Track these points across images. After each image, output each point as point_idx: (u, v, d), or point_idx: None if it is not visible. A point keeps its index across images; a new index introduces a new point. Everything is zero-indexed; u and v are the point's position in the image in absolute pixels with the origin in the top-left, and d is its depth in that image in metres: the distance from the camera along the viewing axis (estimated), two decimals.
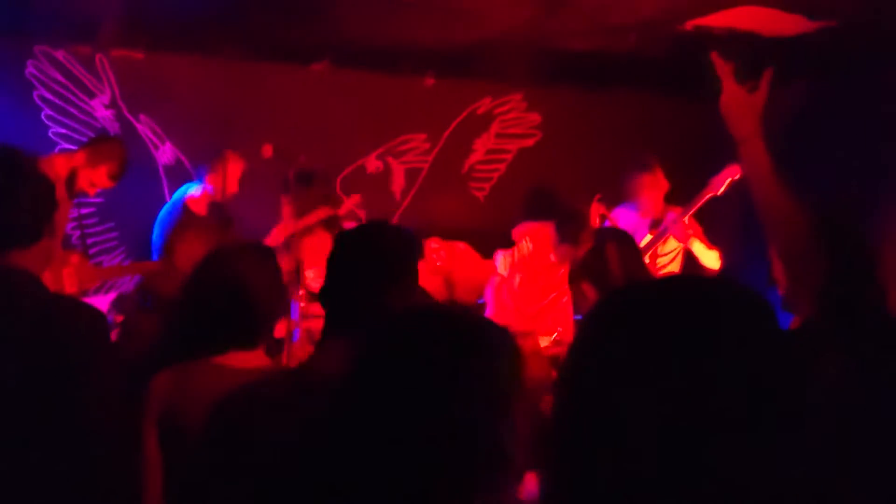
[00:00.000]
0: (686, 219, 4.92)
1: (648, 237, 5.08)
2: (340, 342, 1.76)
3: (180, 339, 2.32)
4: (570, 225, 4.42)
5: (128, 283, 5.56)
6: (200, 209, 5.13)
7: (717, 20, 4.60)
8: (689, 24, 4.69)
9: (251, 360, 2.22)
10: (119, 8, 4.85)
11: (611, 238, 3.01)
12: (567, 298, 4.72)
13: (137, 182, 5.56)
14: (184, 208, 5.10)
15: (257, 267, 2.28)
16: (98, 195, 5.10)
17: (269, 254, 2.38)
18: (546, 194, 6.45)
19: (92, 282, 4.56)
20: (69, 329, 1.96)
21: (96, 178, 4.57)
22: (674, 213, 5.04)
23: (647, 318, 0.98)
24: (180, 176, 5.85)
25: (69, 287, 4.25)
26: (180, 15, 4.85)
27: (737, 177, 4.64)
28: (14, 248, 1.98)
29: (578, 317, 4.47)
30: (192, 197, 5.15)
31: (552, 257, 4.61)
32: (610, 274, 2.82)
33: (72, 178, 4.48)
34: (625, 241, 3.15)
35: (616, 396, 0.95)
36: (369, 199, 6.49)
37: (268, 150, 4.91)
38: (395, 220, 6.41)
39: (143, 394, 2.22)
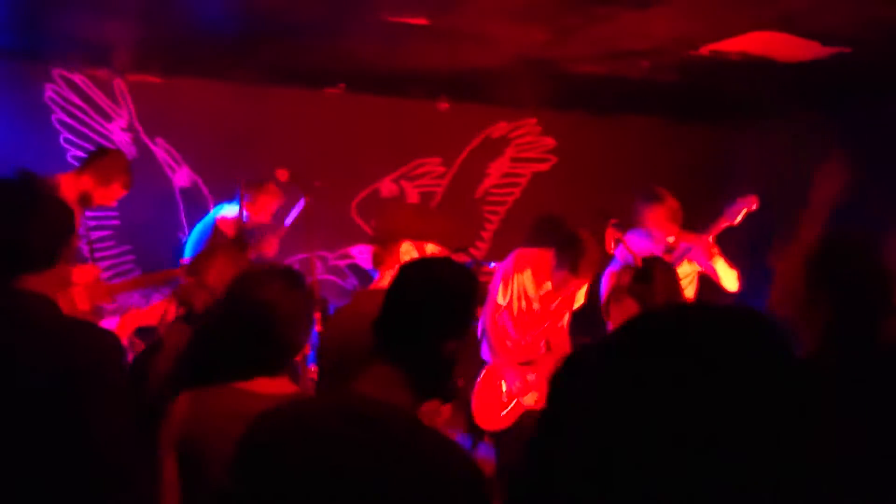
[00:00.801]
0: (711, 237, 4.90)
1: None
2: (387, 369, 1.76)
3: (204, 362, 2.31)
4: (568, 252, 4.41)
5: (137, 299, 5.57)
6: (230, 230, 5.15)
7: (732, 45, 4.61)
8: (705, 50, 4.71)
9: (275, 386, 2.21)
10: (136, 33, 4.91)
11: (659, 265, 3.25)
12: (563, 324, 4.70)
13: (154, 205, 5.62)
14: (214, 228, 5.15)
15: (286, 294, 2.27)
16: (114, 217, 5.18)
17: (299, 280, 2.37)
18: (546, 221, 6.42)
19: (103, 298, 4.57)
20: (84, 353, 1.97)
21: (112, 193, 4.69)
22: (687, 239, 5.02)
23: (671, 339, 0.99)
24: (196, 199, 5.88)
25: (80, 305, 4.25)
26: (197, 40, 4.89)
27: (753, 207, 4.66)
28: (31, 272, 2.00)
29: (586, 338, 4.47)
30: (223, 218, 5.19)
31: (549, 284, 4.58)
32: (656, 295, 2.99)
33: (85, 199, 4.55)
34: (669, 269, 3.35)
35: (632, 404, 0.96)
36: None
37: (283, 175, 4.94)
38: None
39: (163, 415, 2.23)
